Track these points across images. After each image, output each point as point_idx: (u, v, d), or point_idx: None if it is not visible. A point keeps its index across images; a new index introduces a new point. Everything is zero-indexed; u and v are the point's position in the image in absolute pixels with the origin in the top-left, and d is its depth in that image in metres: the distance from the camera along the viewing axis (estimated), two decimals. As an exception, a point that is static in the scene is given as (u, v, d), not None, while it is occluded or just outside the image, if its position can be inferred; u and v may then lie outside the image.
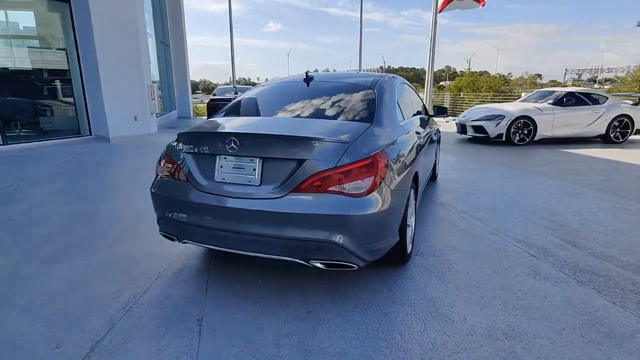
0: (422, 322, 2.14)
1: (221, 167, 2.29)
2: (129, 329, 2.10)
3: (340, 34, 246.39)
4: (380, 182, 2.13)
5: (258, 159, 2.19)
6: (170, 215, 2.45)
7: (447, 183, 5.35)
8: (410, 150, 2.79)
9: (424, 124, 3.91)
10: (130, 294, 2.45)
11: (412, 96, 3.96)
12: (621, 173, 5.99)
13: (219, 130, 2.49)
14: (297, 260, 2.16)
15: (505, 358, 1.85)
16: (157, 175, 2.64)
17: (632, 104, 9.13)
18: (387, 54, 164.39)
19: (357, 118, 2.58)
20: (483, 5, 15.34)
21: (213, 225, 2.26)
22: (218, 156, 2.30)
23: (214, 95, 12.81)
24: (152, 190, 2.59)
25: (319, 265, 2.14)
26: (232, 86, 15.27)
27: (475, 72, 45.33)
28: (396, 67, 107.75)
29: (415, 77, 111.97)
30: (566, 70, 63.47)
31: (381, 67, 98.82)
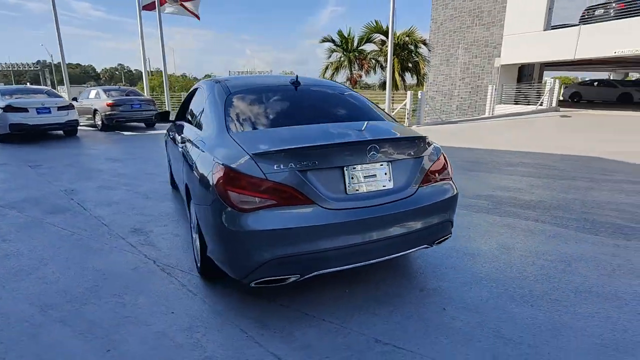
0: (489, 263, 2.87)
1: (352, 178, 2.14)
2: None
3: None
4: None
5: (387, 162, 2.24)
6: (289, 251, 1.97)
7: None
8: None
9: None
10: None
11: None
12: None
13: (340, 141, 2.19)
14: (423, 247, 2.41)
15: (534, 261, 2.89)
16: (233, 207, 1.93)
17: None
18: (37, 45, 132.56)
19: (389, 118, 2.92)
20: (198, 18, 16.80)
21: (353, 242, 2.10)
22: (345, 167, 2.12)
23: None
24: (242, 229, 1.91)
25: (435, 245, 2.47)
26: None
27: (153, 71, 45.67)
28: (56, 62, 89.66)
29: (84, 75, 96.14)
30: (229, 71, 74.44)
31: (39, 61, 79.61)
